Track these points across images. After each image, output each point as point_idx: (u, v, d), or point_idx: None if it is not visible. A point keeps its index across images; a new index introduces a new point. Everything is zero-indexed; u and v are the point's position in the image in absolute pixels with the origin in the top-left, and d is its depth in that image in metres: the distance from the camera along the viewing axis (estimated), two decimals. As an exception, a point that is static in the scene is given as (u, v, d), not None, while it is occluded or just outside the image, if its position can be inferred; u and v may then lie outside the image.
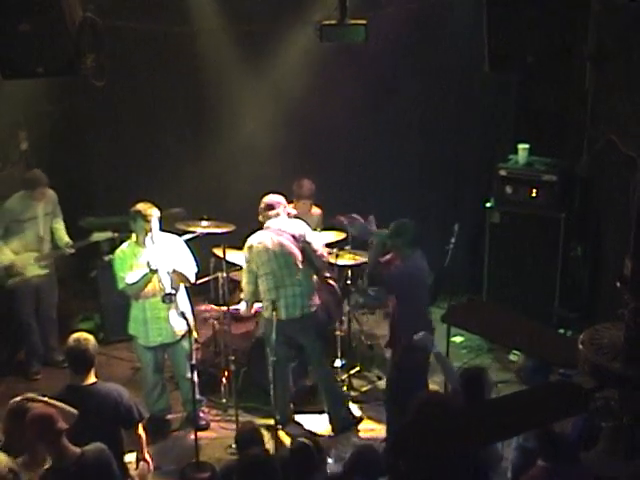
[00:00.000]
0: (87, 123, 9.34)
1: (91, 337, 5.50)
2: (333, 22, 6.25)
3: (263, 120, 9.15)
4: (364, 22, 6.24)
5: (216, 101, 9.10)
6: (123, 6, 7.51)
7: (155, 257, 6.58)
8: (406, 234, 6.34)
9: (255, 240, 6.93)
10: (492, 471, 5.06)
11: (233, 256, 7.59)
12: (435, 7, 8.18)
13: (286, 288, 6.86)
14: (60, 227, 7.95)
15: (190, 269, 6.87)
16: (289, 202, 8.19)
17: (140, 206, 6.70)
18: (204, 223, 7.52)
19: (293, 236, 6.93)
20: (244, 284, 7.04)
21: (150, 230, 6.65)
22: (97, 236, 7.85)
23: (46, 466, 4.75)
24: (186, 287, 7.01)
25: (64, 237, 7.93)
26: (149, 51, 8.67)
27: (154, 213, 6.68)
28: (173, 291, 6.51)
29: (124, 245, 6.90)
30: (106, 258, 8.11)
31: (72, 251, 7.92)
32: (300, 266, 6.91)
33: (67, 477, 4.70)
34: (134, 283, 6.68)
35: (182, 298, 6.94)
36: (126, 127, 9.20)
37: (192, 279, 6.92)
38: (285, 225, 6.99)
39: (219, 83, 9.06)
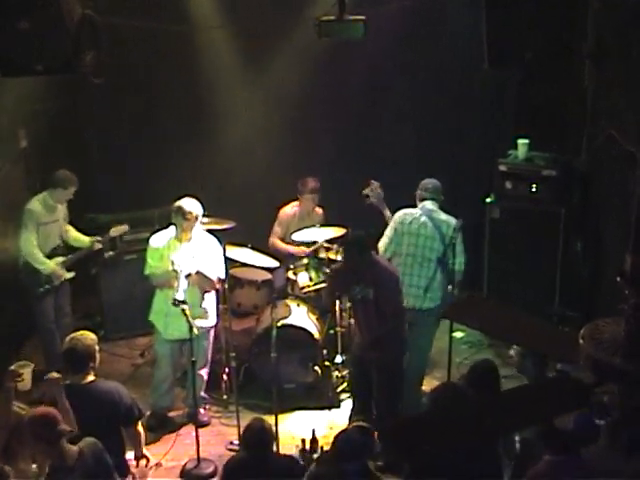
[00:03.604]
0: (86, 121, 9.33)
1: (86, 335, 5.47)
2: (332, 18, 6.25)
3: (262, 117, 9.16)
4: (363, 18, 6.24)
5: (215, 98, 9.09)
6: (122, 4, 7.50)
7: (182, 258, 6.56)
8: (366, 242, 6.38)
9: (404, 210, 7.02)
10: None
11: (233, 253, 7.59)
12: (434, 4, 8.17)
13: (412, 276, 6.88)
14: (70, 229, 7.88)
15: (215, 272, 6.84)
16: (294, 199, 8.20)
17: (184, 202, 6.65)
18: (204, 220, 7.51)
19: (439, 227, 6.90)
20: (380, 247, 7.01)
21: (188, 228, 6.64)
22: (115, 230, 7.85)
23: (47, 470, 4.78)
24: (216, 291, 7.03)
25: (82, 237, 7.85)
26: (148, 49, 8.66)
27: (195, 212, 6.64)
28: (183, 297, 6.35)
29: (162, 233, 6.87)
30: (107, 255, 8.11)
31: (100, 246, 7.86)
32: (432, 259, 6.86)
33: (72, 474, 4.72)
34: (158, 274, 6.72)
35: (208, 301, 6.96)
36: (125, 125, 9.19)
37: (215, 284, 6.90)
38: (437, 212, 6.97)
39: (218, 81, 9.04)
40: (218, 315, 7.19)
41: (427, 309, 6.88)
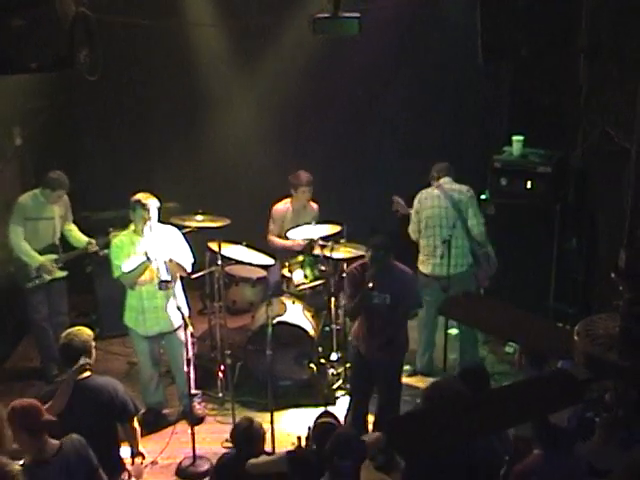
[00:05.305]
0: (81, 118, 9.33)
1: (83, 330, 5.48)
2: (326, 15, 6.24)
3: (257, 114, 9.16)
4: (357, 15, 6.23)
5: (210, 95, 9.09)
6: (116, 1, 7.48)
7: (152, 246, 6.60)
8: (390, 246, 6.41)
9: (422, 191, 7.58)
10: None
11: (228, 250, 7.59)
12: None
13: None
14: (74, 228, 7.91)
15: (186, 259, 6.90)
16: (287, 196, 8.18)
17: (140, 195, 6.74)
18: (199, 217, 7.52)
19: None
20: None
21: (149, 219, 6.67)
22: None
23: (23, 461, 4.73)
24: (181, 280, 7.02)
25: (82, 237, 7.88)
26: (142, 45, 8.65)
27: (153, 203, 6.72)
28: (169, 278, 6.54)
29: (122, 234, 6.90)
30: (101, 253, 8.10)
31: (96, 249, 7.84)
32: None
33: (49, 469, 4.70)
34: (130, 271, 6.70)
35: (178, 291, 6.95)
36: (120, 122, 9.19)
37: (188, 269, 6.95)
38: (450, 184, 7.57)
39: (213, 77, 9.05)
40: (189, 307, 7.20)
41: (453, 275, 7.27)
